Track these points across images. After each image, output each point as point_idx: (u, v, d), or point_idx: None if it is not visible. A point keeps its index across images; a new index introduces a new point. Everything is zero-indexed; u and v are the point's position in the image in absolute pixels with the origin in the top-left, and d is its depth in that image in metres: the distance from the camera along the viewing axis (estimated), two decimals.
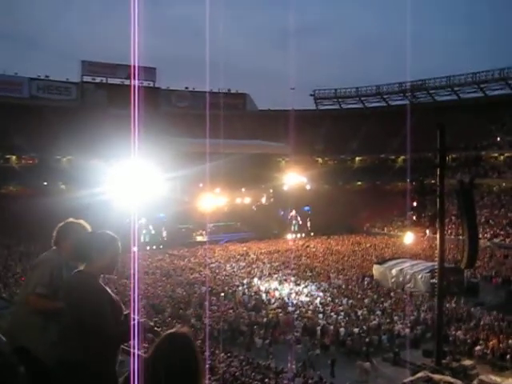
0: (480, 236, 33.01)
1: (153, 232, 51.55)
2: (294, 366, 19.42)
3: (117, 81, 77.11)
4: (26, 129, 62.24)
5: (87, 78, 78.08)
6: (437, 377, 19.71)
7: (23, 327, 3.40)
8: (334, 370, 20.44)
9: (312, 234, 59.39)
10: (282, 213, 60.47)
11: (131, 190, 41.99)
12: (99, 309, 2.89)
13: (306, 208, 60.04)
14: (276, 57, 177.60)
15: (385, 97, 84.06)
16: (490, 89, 73.15)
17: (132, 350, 3.07)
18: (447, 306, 26.41)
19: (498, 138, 65.23)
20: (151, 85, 78.32)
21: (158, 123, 58.90)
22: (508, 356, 20.99)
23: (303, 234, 59.57)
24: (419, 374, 19.44)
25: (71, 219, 3.73)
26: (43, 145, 61.71)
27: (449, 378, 19.33)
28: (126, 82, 74.52)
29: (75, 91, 77.27)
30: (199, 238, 54.57)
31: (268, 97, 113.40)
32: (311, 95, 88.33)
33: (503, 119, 64.93)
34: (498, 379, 18.97)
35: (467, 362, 20.43)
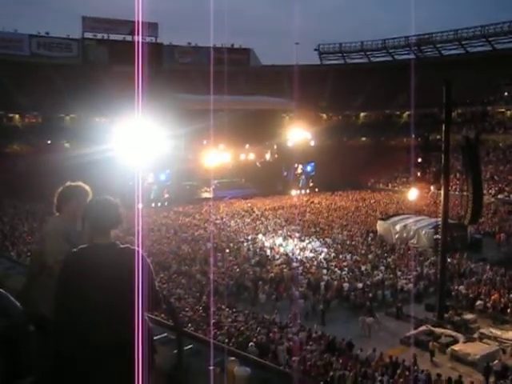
0: (484, 192, 32.94)
1: (155, 188, 51.31)
2: (298, 321, 19.72)
3: (119, 37, 76.03)
4: (28, 87, 61.80)
5: (88, 35, 76.96)
6: (438, 330, 20.15)
7: (48, 298, 3.03)
8: (325, 320, 21.00)
9: (316, 190, 59.45)
10: (286, 173, 60.39)
11: (135, 147, 41.96)
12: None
13: (309, 167, 59.82)
14: (280, 11, 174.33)
15: (390, 51, 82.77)
16: (498, 42, 71.85)
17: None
18: (450, 261, 26.62)
19: (506, 93, 64.41)
20: (153, 41, 77.21)
21: (161, 80, 58.41)
22: (508, 310, 21.26)
23: (307, 191, 59.63)
24: (421, 328, 19.89)
25: (69, 182, 3.63)
26: (46, 103, 61.37)
27: (450, 332, 19.79)
28: (128, 38, 73.50)
29: (76, 48, 76.27)
30: (205, 195, 54.64)
31: (272, 52, 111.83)
32: (316, 50, 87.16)
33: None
34: (499, 332, 19.33)
35: (468, 316, 20.73)
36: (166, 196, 51.44)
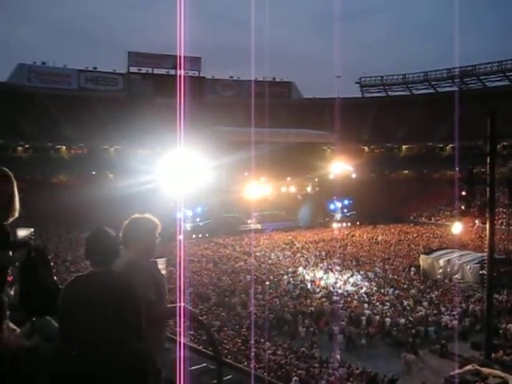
0: None
1: (199, 223, 51.92)
2: (338, 356, 19.33)
3: (163, 71, 77.95)
4: (75, 119, 63.79)
5: (133, 69, 79.22)
6: (486, 370, 19.37)
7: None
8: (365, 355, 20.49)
9: (358, 223, 58.89)
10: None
11: (177, 178, 42.52)
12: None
13: (346, 202, 59.34)
14: (321, 44, 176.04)
15: (433, 83, 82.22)
16: None
17: (178, 339, 3.09)
18: (497, 297, 25.78)
19: None
20: (196, 74, 78.82)
21: (203, 112, 59.40)
22: None
23: (349, 224, 59.14)
24: (467, 367, 19.16)
25: (136, 215, 3.55)
26: (92, 135, 63.07)
27: (498, 372, 19.00)
28: (172, 72, 75.25)
29: (122, 82, 78.53)
30: (251, 226, 54.81)
31: (313, 85, 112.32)
32: (357, 83, 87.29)
33: None
34: None
35: None
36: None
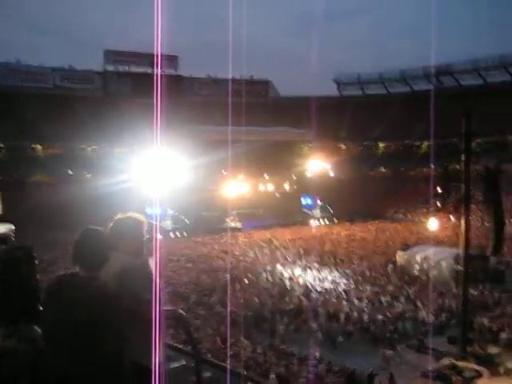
0: (506, 222, 32.50)
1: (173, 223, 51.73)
2: (317, 353, 19.46)
3: (140, 69, 77.40)
4: (52, 119, 63.03)
5: (110, 68, 78.55)
6: (462, 364, 19.68)
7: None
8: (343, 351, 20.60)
9: (336, 220, 59.25)
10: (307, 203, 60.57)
11: (155, 178, 42.31)
12: None
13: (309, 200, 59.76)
14: (298, 43, 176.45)
15: (409, 82, 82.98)
16: None
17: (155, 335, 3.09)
18: (472, 293, 26.16)
19: None
20: (173, 73, 78.43)
21: (180, 111, 59.12)
22: None
23: (327, 221, 59.48)
24: (444, 361, 19.44)
25: (120, 216, 3.50)
26: (68, 134, 62.38)
27: (474, 366, 19.31)
28: (149, 71, 74.73)
29: (99, 80, 77.82)
30: (232, 225, 54.87)
31: (291, 83, 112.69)
32: (334, 81, 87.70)
33: None
34: None
35: (493, 350, 20.25)
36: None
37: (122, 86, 77.00)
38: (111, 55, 77.91)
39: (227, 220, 54.50)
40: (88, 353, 2.74)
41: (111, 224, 3.40)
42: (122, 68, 78.98)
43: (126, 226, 3.41)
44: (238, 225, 54.38)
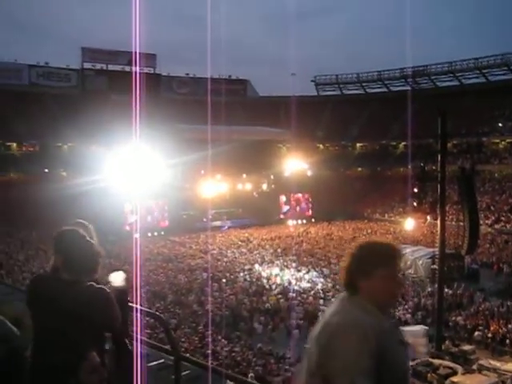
0: (481, 222, 33.05)
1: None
2: (294, 352, 19.52)
3: (117, 67, 76.84)
4: (27, 116, 62.18)
5: (87, 65, 77.75)
6: (437, 361, 19.91)
7: None
8: None
9: (313, 219, 59.53)
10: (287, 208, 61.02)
11: (132, 176, 42.06)
12: None
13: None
14: (276, 42, 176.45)
15: (386, 82, 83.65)
16: (492, 74, 72.79)
17: (135, 335, 3.08)
18: (448, 291, 26.50)
19: (500, 124, 65.04)
20: (152, 71, 78.02)
21: (158, 109, 58.86)
22: (507, 341, 21.11)
23: (304, 221, 59.74)
24: (419, 359, 19.62)
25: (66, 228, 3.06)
26: (44, 132, 61.64)
27: (448, 363, 19.55)
28: (127, 69, 74.27)
29: (76, 78, 77.03)
30: (218, 223, 55.08)
31: (269, 83, 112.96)
32: (312, 81, 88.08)
33: (505, 105, 64.66)
34: (498, 363, 19.12)
35: (467, 347, 20.54)
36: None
37: (99, 84, 76.30)
38: (88, 53, 77.14)
39: (205, 219, 54.40)
40: (64, 353, 2.72)
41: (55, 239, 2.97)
42: (99, 66, 78.26)
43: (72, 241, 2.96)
44: (216, 224, 54.35)
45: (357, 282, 2.33)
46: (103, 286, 2.83)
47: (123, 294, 2.94)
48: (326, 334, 2.24)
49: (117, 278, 2.99)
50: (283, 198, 61.23)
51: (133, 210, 46.71)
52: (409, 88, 76.62)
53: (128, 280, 2.98)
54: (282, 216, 60.84)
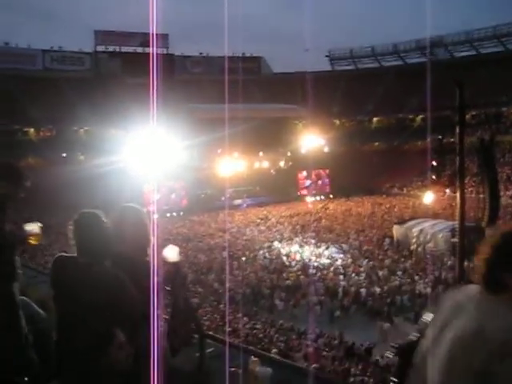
0: (501, 194, 32.62)
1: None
2: (315, 327, 19.63)
3: (130, 49, 76.69)
4: (42, 101, 62.50)
5: (100, 48, 77.75)
6: None
7: None
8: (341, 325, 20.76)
9: (331, 196, 59.39)
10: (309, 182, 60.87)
11: (149, 158, 42.21)
12: None
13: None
14: (289, 18, 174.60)
15: (402, 55, 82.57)
16: (511, 42, 71.35)
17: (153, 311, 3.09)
18: (468, 264, 26.34)
19: None
20: (165, 52, 77.71)
21: (173, 90, 58.76)
22: None
23: (322, 197, 59.63)
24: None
25: (126, 205, 3.30)
26: (60, 116, 61.97)
27: None
28: (139, 50, 74.10)
29: (89, 61, 77.11)
30: (238, 201, 55.57)
31: (283, 59, 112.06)
32: (327, 56, 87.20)
33: None
34: None
35: None
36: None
37: (112, 67, 76.30)
38: (101, 35, 77.07)
39: (223, 198, 54.56)
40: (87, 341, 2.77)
41: (116, 213, 3.18)
42: (112, 48, 78.18)
43: (135, 216, 3.18)
44: (235, 202, 54.52)
45: (504, 279, 1.96)
46: (117, 272, 2.89)
47: (178, 267, 3.28)
48: (493, 342, 1.85)
49: (171, 253, 3.30)
50: (304, 173, 61.05)
51: (155, 190, 47.01)
52: (425, 59, 75.52)
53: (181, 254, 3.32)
54: (304, 191, 60.68)
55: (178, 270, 3.25)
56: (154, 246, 3.23)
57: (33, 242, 3.16)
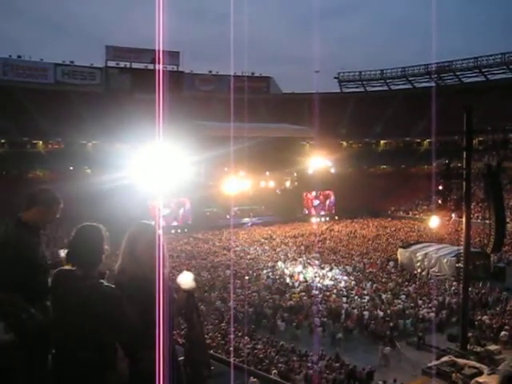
0: (507, 220, 32.49)
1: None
2: (320, 350, 19.47)
3: (141, 65, 77.39)
4: (52, 114, 63.00)
5: (111, 63, 78.51)
6: (461, 361, 19.68)
7: None
8: (344, 348, 20.58)
9: (336, 217, 59.26)
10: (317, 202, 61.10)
11: (156, 174, 42.30)
12: None
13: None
14: (300, 40, 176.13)
15: (410, 79, 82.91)
16: None
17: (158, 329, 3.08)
18: (472, 290, 26.16)
19: None
20: (175, 69, 78.38)
21: (181, 107, 59.08)
22: None
23: (327, 218, 59.51)
24: (444, 358, 19.46)
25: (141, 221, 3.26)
26: (69, 130, 62.33)
27: (474, 363, 19.31)
28: (150, 67, 74.81)
29: (100, 76, 77.81)
30: (245, 220, 56.01)
31: (292, 80, 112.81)
32: (336, 78, 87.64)
33: None
34: None
35: (493, 347, 20.25)
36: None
37: (122, 82, 76.94)
38: (112, 51, 77.84)
39: (228, 216, 54.50)
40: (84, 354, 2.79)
41: (132, 229, 3.15)
42: (122, 64, 78.95)
43: (149, 234, 3.14)
44: (239, 221, 54.50)
45: None
46: (113, 286, 2.91)
47: (191, 295, 3.28)
48: None
49: (186, 280, 3.27)
50: (314, 193, 61.06)
51: (162, 206, 47.16)
52: (433, 84, 75.80)
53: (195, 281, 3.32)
54: (312, 211, 60.60)
55: (190, 298, 3.24)
56: (158, 263, 3.21)
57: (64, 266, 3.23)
